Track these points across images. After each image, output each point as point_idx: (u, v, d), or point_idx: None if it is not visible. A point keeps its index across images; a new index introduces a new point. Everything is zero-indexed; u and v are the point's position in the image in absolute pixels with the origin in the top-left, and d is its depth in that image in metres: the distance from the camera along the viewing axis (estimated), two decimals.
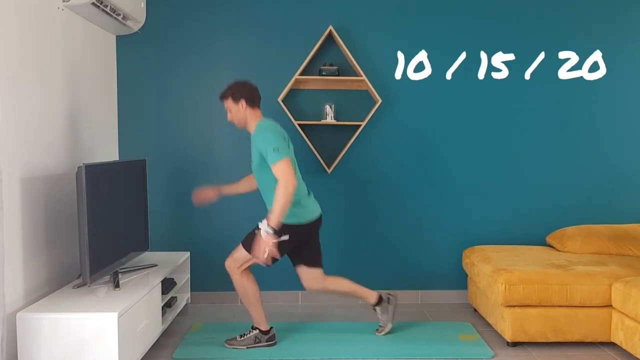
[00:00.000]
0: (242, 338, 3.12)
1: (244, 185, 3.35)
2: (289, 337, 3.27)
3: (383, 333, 3.32)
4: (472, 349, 3.11)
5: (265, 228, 2.77)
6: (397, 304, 3.38)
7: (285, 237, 2.95)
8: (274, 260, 2.95)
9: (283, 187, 2.78)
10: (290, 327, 3.43)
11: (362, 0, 3.88)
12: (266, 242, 2.76)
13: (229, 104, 3.01)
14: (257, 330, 3.12)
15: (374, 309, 3.35)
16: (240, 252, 3.04)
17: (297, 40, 3.86)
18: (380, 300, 3.33)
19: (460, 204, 4.00)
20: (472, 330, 3.41)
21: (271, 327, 3.17)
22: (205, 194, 3.31)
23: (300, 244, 3.10)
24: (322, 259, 3.20)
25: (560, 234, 3.76)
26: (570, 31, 3.95)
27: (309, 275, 3.16)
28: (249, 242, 2.99)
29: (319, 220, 3.12)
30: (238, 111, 2.99)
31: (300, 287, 3.92)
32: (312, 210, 3.07)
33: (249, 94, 2.99)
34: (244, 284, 3.06)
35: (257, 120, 3.00)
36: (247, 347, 3.10)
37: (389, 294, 3.37)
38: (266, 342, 3.12)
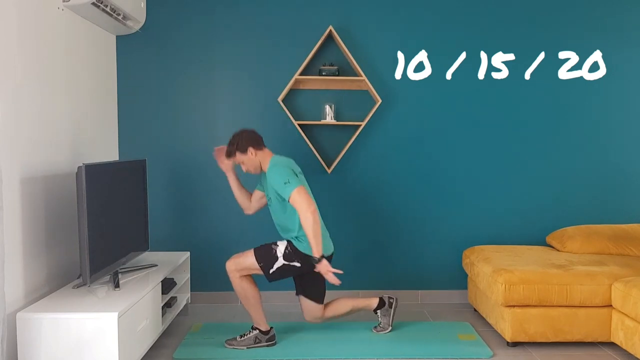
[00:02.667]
0: (242, 338, 3.12)
1: (246, 198, 3.32)
2: (289, 337, 3.27)
3: (380, 333, 3.33)
4: (471, 349, 3.11)
5: (314, 262, 2.92)
6: (397, 306, 3.39)
7: (297, 264, 3.04)
8: (279, 278, 3.08)
9: (304, 217, 2.86)
10: (290, 327, 3.43)
11: (362, 0, 3.88)
12: (323, 269, 2.90)
13: (239, 157, 3.06)
14: (257, 331, 3.12)
15: (376, 313, 3.37)
16: (247, 260, 3.05)
17: (297, 40, 3.86)
18: (381, 304, 3.34)
19: (460, 204, 4.00)
20: (471, 330, 3.41)
21: (271, 327, 3.17)
22: (222, 158, 3.21)
23: (309, 274, 3.12)
24: (324, 295, 3.24)
25: (560, 234, 3.76)
26: (570, 31, 3.95)
27: (309, 307, 3.22)
28: (262, 254, 3.04)
29: (330, 257, 3.14)
30: (250, 159, 3.05)
31: None
32: (326, 246, 3.09)
33: (252, 140, 3.05)
34: (244, 287, 3.07)
35: (268, 158, 3.06)
36: (247, 347, 3.10)
37: (390, 297, 3.37)
38: (266, 342, 3.12)
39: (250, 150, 3.03)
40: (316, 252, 2.88)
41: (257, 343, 3.11)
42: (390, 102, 3.93)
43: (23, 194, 2.59)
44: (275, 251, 3.05)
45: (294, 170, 3.02)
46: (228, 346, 3.11)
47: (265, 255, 3.05)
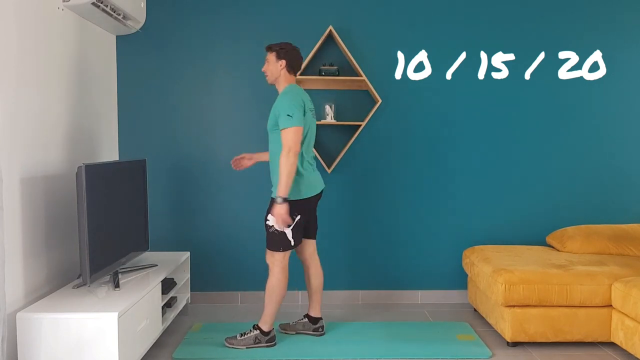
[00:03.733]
0: (242, 337, 3.12)
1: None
2: (289, 337, 3.27)
3: (229, 343, 3.13)
4: (470, 349, 3.11)
5: (276, 200, 2.91)
6: (313, 334, 3.32)
7: (297, 217, 3.04)
8: (300, 237, 3.10)
9: (285, 155, 2.89)
10: None
11: (362, 0, 3.88)
12: (279, 212, 2.90)
13: (271, 57, 3.10)
14: (258, 331, 3.12)
15: (305, 317, 3.35)
16: (274, 257, 3.07)
17: (297, 40, 3.83)
18: (314, 321, 3.32)
19: (461, 204, 4.00)
20: (470, 330, 3.41)
21: (272, 329, 3.16)
22: (244, 162, 3.41)
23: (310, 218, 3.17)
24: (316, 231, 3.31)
25: (560, 234, 3.76)
26: (570, 31, 3.95)
27: (312, 246, 3.28)
28: (274, 243, 3.05)
29: (321, 193, 3.18)
30: (274, 67, 3.09)
31: (300, 287, 3.93)
32: (315, 186, 3.11)
33: (292, 58, 3.09)
34: (279, 280, 3.07)
35: (287, 83, 3.09)
36: (247, 347, 3.10)
37: (322, 328, 3.33)
38: (266, 343, 3.12)
39: (282, 62, 3.06)
40: (281, 192, 2.89)
41: (257, 343, 3.11)
42: (390, 102, 3.93)
43: (23, 194, 2.59)
44: (276, 229, 3.02)
45: (305, 106, 3.02)
46: (227, 344, 3.11)
47: (276, 241, 3.03)
